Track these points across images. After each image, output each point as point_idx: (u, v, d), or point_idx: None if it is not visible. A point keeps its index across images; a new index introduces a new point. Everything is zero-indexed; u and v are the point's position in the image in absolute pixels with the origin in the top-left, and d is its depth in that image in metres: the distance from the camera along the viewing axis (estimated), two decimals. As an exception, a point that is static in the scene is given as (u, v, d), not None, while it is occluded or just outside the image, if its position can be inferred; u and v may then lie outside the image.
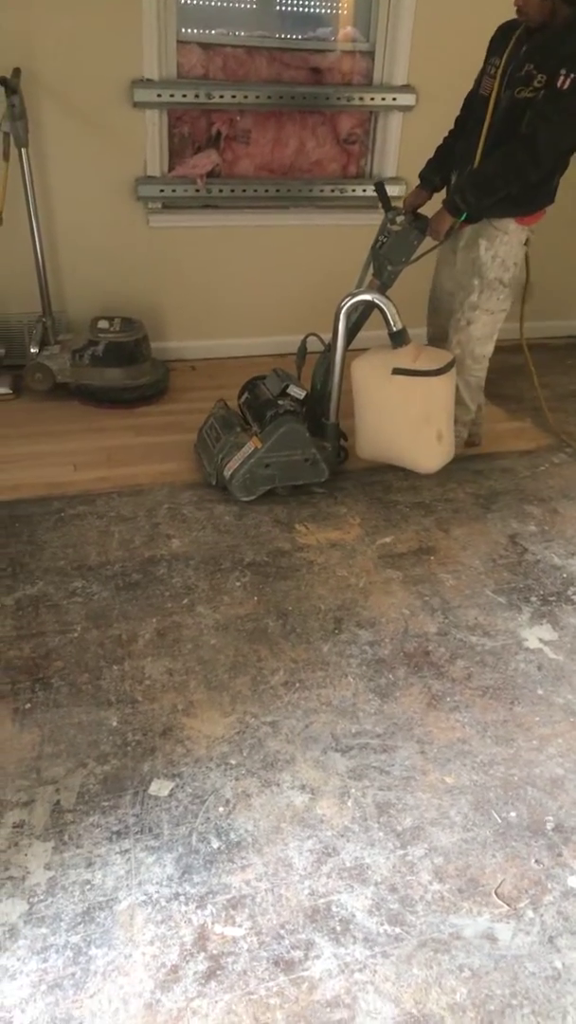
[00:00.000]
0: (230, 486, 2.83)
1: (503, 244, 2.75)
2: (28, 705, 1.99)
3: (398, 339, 2.79)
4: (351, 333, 2.90)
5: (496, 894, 1.63)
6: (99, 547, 2.59)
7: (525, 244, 2.80)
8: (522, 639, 2.32)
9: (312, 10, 3.59)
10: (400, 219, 2.81)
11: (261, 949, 1.50)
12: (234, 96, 3.51)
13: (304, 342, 2.96)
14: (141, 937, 1.51)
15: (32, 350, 3.46)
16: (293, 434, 2.80)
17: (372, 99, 3.68)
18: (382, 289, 2.84)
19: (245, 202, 3.75)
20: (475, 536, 2.77)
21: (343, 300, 2.79)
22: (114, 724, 1.95)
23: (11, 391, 3.50)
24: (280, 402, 2.88)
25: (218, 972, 1.46)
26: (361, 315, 2.94)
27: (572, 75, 2.38)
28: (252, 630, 2.29)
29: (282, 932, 1.53)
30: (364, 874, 1.65)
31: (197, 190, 3.62)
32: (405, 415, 2.88)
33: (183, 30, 3.41)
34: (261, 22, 3.55)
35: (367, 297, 2.79)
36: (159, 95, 3.40)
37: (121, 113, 3.41)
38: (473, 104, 2.75)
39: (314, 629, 2.30)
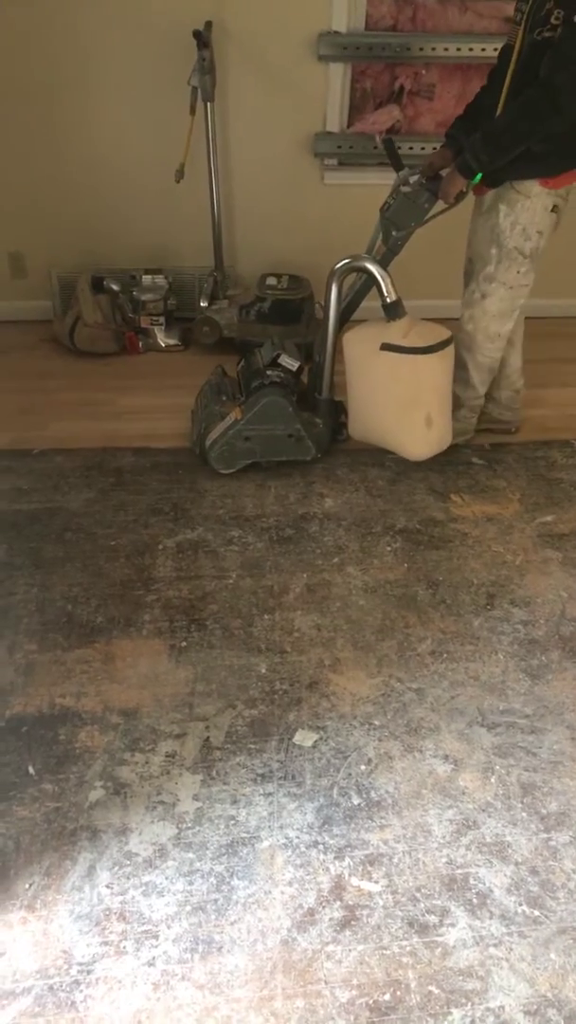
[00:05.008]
0: (209, 457, 2.71)
1: (525, 210, 2.43)
2: (184, 644, 2.08)
3: (392, 311, 2.55)
4: (352, 303, 2.71)
5: None
6: (255, 500, 2.64)
7: (553, 211, 2.45)
8: None
9: (513, -46, 3.39)
10: (413, 180, 2.58)
11: (396, 908, 1.52)
12: (422, 48, 3.40)
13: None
14: (281, 877, 1.56)
15: (202, 304, 3.55)
16: (275, 407, 2.64)
17: (569, 50, 3.45)
18: (388, 256, 2.61)
19: (424, 160, 3.63)
20: None
21: (337, 263, 2.58)
22: (263, 671, 2.01)
23: (180, 343, 3.62)
24: (269, 372, 2.71)
25: (353, 923, 1.49)
26: (363, 284, 2.71)
27: None
28: (401, 596, 2.28)
29: (418, 895, 1.54)
30: (504, 852, 1.62)
31: (375, 147, 3.55)
32: (392, 395, 2.63)
33: (376, -21, 3.34)
34: (457, -31, 3.40)
35: (360, 263, 2.57)
36: (345, 48, 3.35)
37: (305, 66, 3.39)
38: (501, 55, 2.45)
39: (465, 602, 2.26)
